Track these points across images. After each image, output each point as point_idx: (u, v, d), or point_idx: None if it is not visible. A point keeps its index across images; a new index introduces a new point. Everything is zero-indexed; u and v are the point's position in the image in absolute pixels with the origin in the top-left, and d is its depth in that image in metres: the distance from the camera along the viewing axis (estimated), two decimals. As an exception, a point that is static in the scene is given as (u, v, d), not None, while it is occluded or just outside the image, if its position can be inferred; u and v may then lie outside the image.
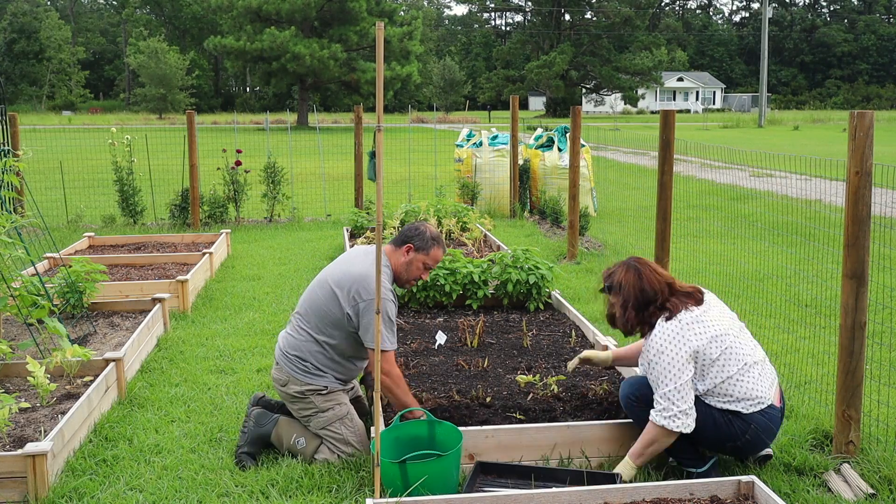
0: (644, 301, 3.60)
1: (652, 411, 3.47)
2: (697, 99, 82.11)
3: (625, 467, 3.50)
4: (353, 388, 4.10)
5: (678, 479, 3.53)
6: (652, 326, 3.58)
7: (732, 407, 3.49)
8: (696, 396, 3.53)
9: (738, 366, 3.49)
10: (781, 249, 7.93)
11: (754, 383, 3.50)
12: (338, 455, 3.76)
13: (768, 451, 3.68)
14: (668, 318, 3.53)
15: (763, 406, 3.49)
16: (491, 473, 3.50)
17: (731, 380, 3.47)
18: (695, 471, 3.54)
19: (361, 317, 3.69)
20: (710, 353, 3.47)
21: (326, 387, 3.83)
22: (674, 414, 3.40)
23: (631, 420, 3.69)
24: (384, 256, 3.88)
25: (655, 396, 3.48)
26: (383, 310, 3.64)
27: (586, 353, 4.18)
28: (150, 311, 5.88)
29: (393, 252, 3.92)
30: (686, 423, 3.41)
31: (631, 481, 3.45)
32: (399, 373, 3.75)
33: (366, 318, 3.67)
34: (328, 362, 3.85)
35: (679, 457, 3.59)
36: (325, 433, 3.79)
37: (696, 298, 3.63)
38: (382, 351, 3.62)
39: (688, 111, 75.90)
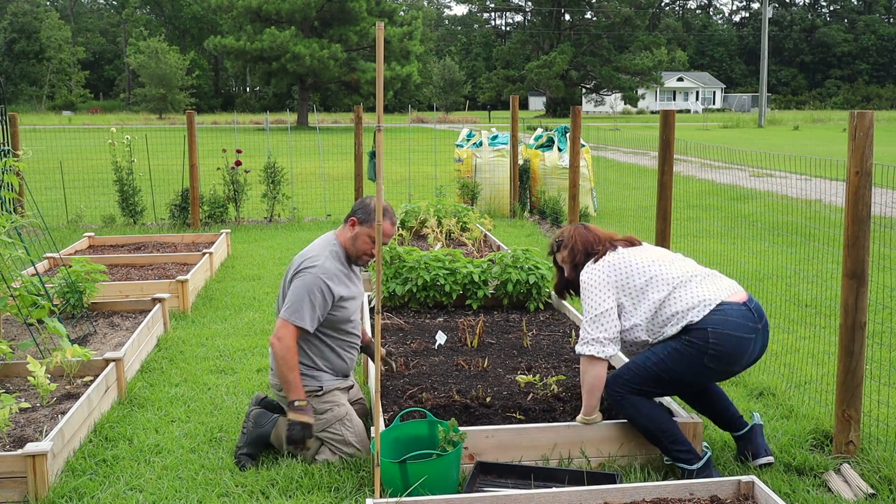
0: (586, 254, 3.79)
1: (578, 344, 3.64)
2: (697, 99, 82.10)
3: (577, 421, 3.66)
4: (352, 387, 4.10)
5: (678, 479, 3.53)
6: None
7: (682, 323, 3.50)
8: (650, 337, 3.59)
9: (668, 287, 3.57)
10: (781, 249, 7.93)
11: (693, 293, 3.55)
12: (339, 456, 3.76)
13: (768, 458, 3.66)
14: (595, 261, 3.73)
15: (712, 306, 3.49)
16: (491, 473, 3.50)
17: (666, 301, 3.55)
18: (688, 468, 3.50)
19: (292, 281, 3.78)
20: (634, 283, 3.62)
21: (321, 387, 3.83)
22: (589, 340, 3.57)
23: (626, 420, 3.69)
24: (334, 238, 3.94)
25: (580, 331, 3.65)
26: (311, 287, 3.71)
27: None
28: (150, 311, 5.88)
29: (341, 230, 3.98)
30: (602, 350, 3.55)
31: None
32: (293, 347, 3.70)
33: (294, 284, 3.77)
34: (317, 358, 3.85)
35: (670, 451, 3.55)
36: (325, 435, 3.79)
37: (629, 242, 3.81)
38: (291, 323, 3.69)
39: (688, 111, 75.89)
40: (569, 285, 3.98)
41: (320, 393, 3.83)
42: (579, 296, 3.83)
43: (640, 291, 3.60)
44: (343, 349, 3.95)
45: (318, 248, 3.90)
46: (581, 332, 3.64)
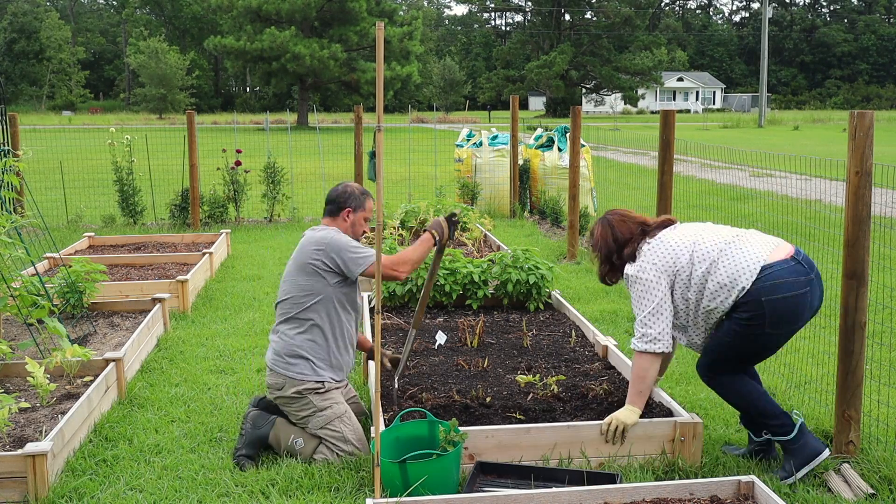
0: (618, 249, 3.78)
1: (633, 340, 3.63)
2: (697, 99, 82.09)
3: (626, 413, 3.61)
4: (346, 386, 4.10)
5: (678, 479, 3.53)
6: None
7: (732, 296, 3.47)
8: (705, 316, 3.58)
9: (708, 260, 3.55)
10: (781, 249, 7.91)
11: (731, 262, 3.51)
12: (337, 454, 3.77)
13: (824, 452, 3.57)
14: (637, 254, 3.70)
15: (756, 272, 3.44)
16: (491, 473, 3.50)
17: (710, 274, 3.53)
18: (785, 439, 3.53)
19: (340, 254, 3.81)
20: (680, 263, 3.60)
21: (323, 384, 3.84)
22: (652, 338, 3.57)
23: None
24: (335, 232, 3.94)
25: (636, 325, 3.64)
26: (348, 243, 3.84)
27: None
28: (150, 311, 5.88)
29: (334, 222, 4.00)
30: (664, 345, 3.57)
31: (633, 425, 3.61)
32: (396, 260, 3.85)
33: (338, 246, 3.82)
34: (321, 351, 3.84)
35: (765, 425, 3.59)
36: (324, 432, 3.79)
37: (663, 225, 3.78)
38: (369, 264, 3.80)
39: (688, 111, 75.88)
40: (610, 274, 3.93)
41: (322, 390, 3.83)
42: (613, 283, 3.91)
43: (687, 271, 3.59)
44: (344, 342, 3.96)
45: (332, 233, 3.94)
46: (640, 328, 3.61)
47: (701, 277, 3.55)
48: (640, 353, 3.62)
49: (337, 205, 3.99)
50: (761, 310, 3.42)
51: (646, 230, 3.76)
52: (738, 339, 3.51)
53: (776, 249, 3.54)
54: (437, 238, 3.98)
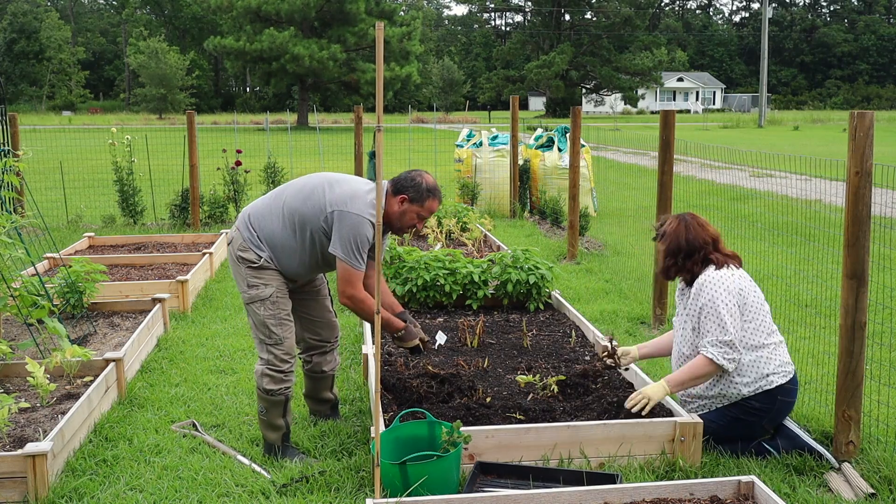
0: (688, 251, 3.88)
1: (711, 349, 3.69)
2: (697, 99, 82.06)
3: (657, 389, 3.73)
4: (307, 287, 4.05)
5: (678, 479, 3.53)
6: (694, 276, 3.87)
7: (759, 384, 3.73)
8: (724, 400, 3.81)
9: (763, 336, 3.77)
10: (781, 249, 7.92)
11: (780, 356, 3.80)
12: (258, 337, 3.78)
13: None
14: (717, 268, 3.82)
15: (788, 377, 3.77)
16: (491, 474, 3.50)
17: (759, 348, 3.75)
18: (764, 441, 3.79)
19: (335, 222, 3.65)
20: (747, 312, 3.77)
21: (259, 258, 3.75)
22: (731, 358, 3.69)
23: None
24: (367, 209, 3.71)
25: (711, 337, 3.69)
26: (356, 233, 3.62)
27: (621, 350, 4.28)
28: (150, 311, 5.88)
29: (388, 197, 3.81)
30: (732, 365, 3.71)
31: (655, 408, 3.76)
32: (363, 297, 3.70)
33: (338, 224, 3.63)
34: (275, 241, 3.76)
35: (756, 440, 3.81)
36: (249, 309, 3.80)
37: (738, 260, 3.94)
38: (351, 268, 3.65)
39: (688, 111, 75.85)
40: (671, 272, 4.02)
41: (255, 265, 3.76)
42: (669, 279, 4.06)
43: (749, 327, 3.79)
44: (311, 268, 3.87)
45: (360, 204, 3.70)
46: (725, 347, 3.70)
47: (752, 345, 3.78)
48: (710, 362, 3.71)
49: (399, 187, 3.78)
50: (772, 406, 3.76)
51: (717, 247, 3.92)
52: (734, 425, 3.79)
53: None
54: (401, 335, 3.93)
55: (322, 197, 3.70)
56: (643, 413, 3.71)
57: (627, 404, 3.75)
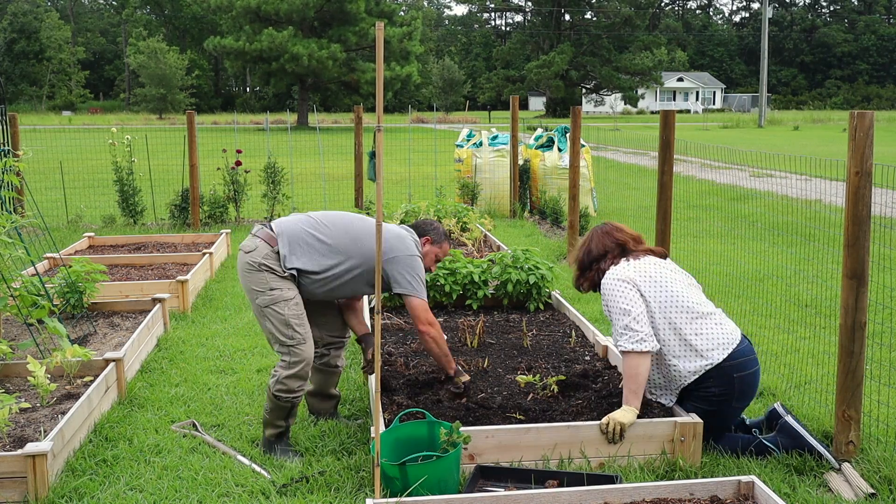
0: (589, 261, 3.98)
1: (621, 342, 3.70)
2: (697, 99, 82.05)
3: (623, 413, 3.65)
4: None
5: (678, 479, 3.53)
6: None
7: (706, 362, 3.68)
8: (677, 362, 3.75)
9: (689, 315, 3.73)
10: (781, 249, 7.93)
11: (713, 330, 3.74)
12: (280, 340, 3.76)
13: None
14: (613, 265, 3.89)
15: (730, 348, 3.70)
16: (491, 477, 3.49)
17: (688, 330, 3.71)
18: (765, 439, 3.77)
19: (395, 265, 3.86)
20: (657, 296, 3.75)
21: (285, 270, 3.81)
22: (641, 338, 3.65)
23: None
24: (413, 242, 4.01)
25: (618, 329, 3.74)
26: (414, 266, 3.90)
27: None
28: (150, 311, 5.88)
29: (421, 243, 4.14)
30: (650, 344, 3.67)
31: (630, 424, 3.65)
32: (434, 319, 3.97)
33: (402, 265, 3.87)
34: (314, 272, 3.83)
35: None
36: (269, 311, 3.78)
37: (655, 252, 3.95)
38: (422, 299, 3.90)
39: (688, 111, 75.83)
40: (580, 282, 4.09)
41: (281, 275, 3.80)
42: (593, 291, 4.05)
43: (663, 308, 3.76)
44: (328, 302, 4.11)
45: (409, 244, 3.99)
46: (628, 332, 3.69)
47: (679, 326, 3.74)
48: (629, 353, 3.69)
49: (421, 230, 4.12)
50: (731, 386, 3.70)
51: (626, 250, 3.93)
52: (708, 415, 3.73)
53: (735, 328, 3.82)
54: (451, 377, 4.13)
55: (371, 242, 3.86)
56: (622, 436, 3.63)
57: (601, 429, 3.64)
